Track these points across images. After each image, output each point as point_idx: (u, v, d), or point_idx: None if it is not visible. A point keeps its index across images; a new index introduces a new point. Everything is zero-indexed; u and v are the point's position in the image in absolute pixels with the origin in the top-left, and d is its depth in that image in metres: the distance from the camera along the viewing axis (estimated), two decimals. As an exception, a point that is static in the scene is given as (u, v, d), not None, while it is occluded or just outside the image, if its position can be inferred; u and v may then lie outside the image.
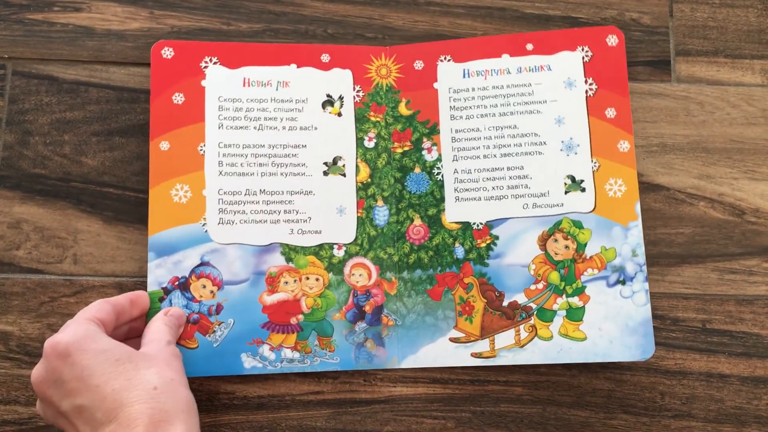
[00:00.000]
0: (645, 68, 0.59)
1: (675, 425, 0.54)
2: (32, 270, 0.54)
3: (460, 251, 0.55)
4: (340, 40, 0.58)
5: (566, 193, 0.55)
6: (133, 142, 0.56)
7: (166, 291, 0.52)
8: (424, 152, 0.56)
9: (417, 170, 0.56)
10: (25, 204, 0.55)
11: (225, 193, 0.54)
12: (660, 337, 0.55)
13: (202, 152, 0.54)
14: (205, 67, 0.55)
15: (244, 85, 0.55)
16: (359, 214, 0.55)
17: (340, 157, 0.55)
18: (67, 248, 0.54)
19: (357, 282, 0.54)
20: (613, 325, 0.53)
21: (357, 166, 0.55)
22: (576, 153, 0.55)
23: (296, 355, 0.53)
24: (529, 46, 0.56)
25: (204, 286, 0.53)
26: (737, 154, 0.58)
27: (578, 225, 0.54)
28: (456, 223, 0.55)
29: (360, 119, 0.56)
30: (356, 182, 0.55)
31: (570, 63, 0.56)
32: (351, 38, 0.58)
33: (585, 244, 0.54)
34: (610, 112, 0.55)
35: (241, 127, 0.55)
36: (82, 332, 0.44)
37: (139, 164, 0.56)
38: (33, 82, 0.56)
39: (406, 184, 0.55)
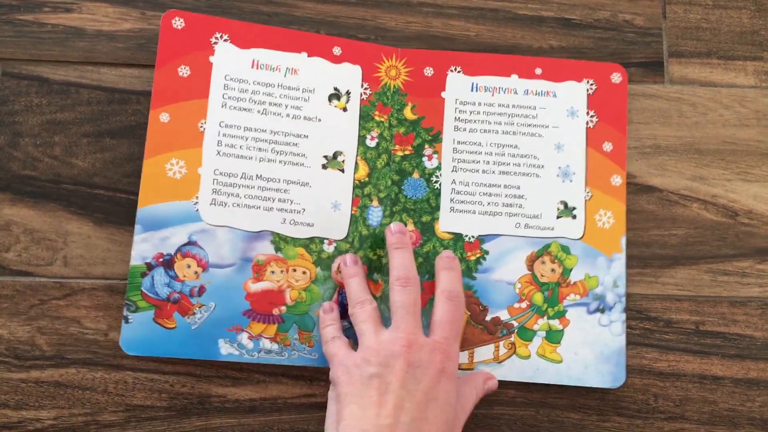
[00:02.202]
0: (638, 69, 0.59)
1: (668, 427, 0.54)
2: (22, 272, 0.53)
3: None
4: (333, 41, 0.58)
5: (558, 217, 0.55)
6: (124, 144, 0.56)
7: (149, 266, 0.51)
8: (425, 159, 0.56)
9: (415, 176, 0.55)
10: (15, 206, 0.54)
11: (221, 173, 0.53)
12: (653, 338, 0.55)
13: (202, 129, 0.53)
14: (215, 43, 0.54)
15: (252, 67, 0.55)
16: (353, 212, 0.54)
17: (341, 152, 0.55)
18: (57, 250, 0.54)
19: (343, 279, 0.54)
20: (589, 351, 0.53)
21: (356, 164, 0.55)
22: (571, 180, 0.56)
23: (275, 346, 0.52)
24: (538, 71, 0.57)
25: (188, 266, 0.52)
26: (730, 156, 0.58)
27: (566, 250, 0.55)
28: (448, 233, 0.55)
29: (364, 117, 0.56)
30: (354, 180, 0.55)
31: (575, 93, 0.57)
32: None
33: (570, 270, 0.55)
34: (607, 146, 0.56)
35: (244, 109, 0.54)
36: None
37: (131, 166, 0.55)
38: (23, 83, 0.56)
39: (403, 188, 0.55)
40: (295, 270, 0.53)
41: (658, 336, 0.55)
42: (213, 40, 0.54)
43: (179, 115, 0.53)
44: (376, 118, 0.56)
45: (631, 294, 0.55)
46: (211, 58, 0.54)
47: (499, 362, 0.53)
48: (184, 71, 0.53)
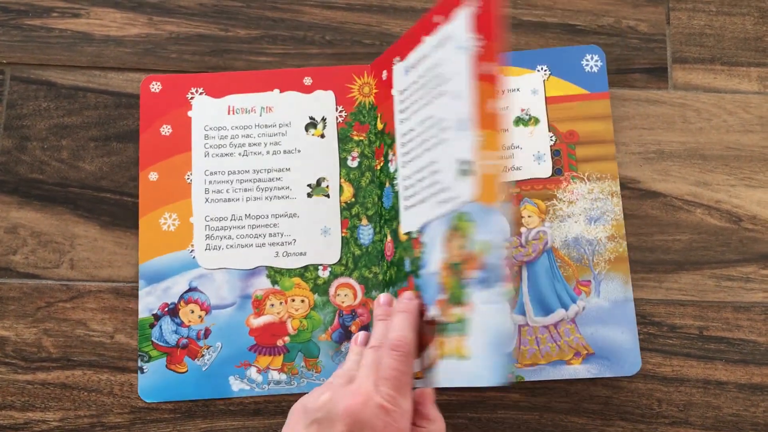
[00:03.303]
0: (642, 75, 0.59)
1: (672, 432, 0.54)
2: (29, 275, 0.54)
3: (408, 264, 0.50)
4: (338, 46, 0.58)
5: (456, 180, 0.45)
6: (130, 148, 0.56)
7: (156, 317, 0.54)
8: (390, 165, 0.53)
9: (387, 184, 0.54)
10: (23, 209, 0.55)
11: (211, 219, 0.55)
12: (657, 343, 0.55)
13: (189, 181, 0.55)
14: (192, 98, 0.56)
15: (228, 113, 0.56)
16: (344, 234, 0.55)
17: (324, 179, 0.56)
18: (63, 253, 0.54)
19: (342, 302, 0.54)
20: (480, 340, 0.42)
21: (341, 187, 0.56)
22: (466, 130, 0.44)
23: (283, 377, 0.54)
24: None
25: (192, 311, 0.54)
26: (734, 161, 0.58)
27: (466, 217, 0.44)
28: (406, 234, 0.50)
29: (343, 139, 0.56)
30: (340, 202, 0.55)
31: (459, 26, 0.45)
32: (349, 45, 0.58)
33: (474, 240, 0.43)
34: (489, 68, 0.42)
35: (226, 154, 0.56)
36: None
37: (137, 170, 0.56)
38: (31, 87, 0.56)
39: (383, 200, 0.54)
40: (293, 300, 0.54)
41: (662, 341, 0.55)
42: (189, 95, 0.57)
43: (166, 172, 0.56)
44: (355, 137, 0.56)
45: (635, 299, 0.55)
46: (190, 113, 0.57)
47: (430, 368, 0.46)
48: (166, 130, 0.56)
